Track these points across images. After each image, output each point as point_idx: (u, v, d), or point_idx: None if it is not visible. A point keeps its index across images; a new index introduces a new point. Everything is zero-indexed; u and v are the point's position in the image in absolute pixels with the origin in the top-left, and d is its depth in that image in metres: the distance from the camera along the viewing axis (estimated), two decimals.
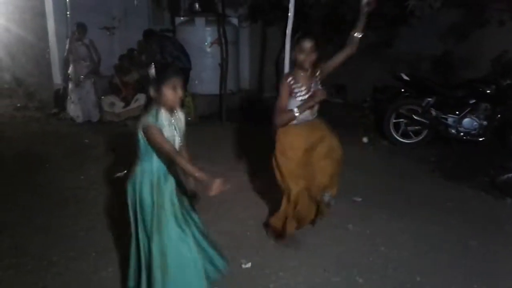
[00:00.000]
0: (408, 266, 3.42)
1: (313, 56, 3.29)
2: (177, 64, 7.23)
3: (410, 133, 6.54)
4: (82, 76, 7.35)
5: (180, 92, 2.49)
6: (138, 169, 2.62)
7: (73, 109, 7.54)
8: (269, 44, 9.28)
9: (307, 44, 3.25)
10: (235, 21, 9.30)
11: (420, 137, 6.49)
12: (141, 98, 8.02)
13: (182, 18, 9.30)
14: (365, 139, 6.78)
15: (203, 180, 2.36)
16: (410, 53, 8.05)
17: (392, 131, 6.59)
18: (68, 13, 7.55)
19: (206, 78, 8.85)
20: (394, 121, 6.59)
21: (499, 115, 6.01)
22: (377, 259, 3.52)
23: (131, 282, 2.78)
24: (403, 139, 6.59)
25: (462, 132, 6.15)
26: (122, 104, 7.99)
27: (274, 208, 4.31)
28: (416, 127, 6.46)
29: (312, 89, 3.35)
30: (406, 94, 6.66)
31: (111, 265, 3.35)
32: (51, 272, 3.26)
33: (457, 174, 5.41)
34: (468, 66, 7.43)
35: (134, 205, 2.62)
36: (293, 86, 3.31)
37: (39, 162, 5.64)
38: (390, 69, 7.22)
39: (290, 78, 3.33)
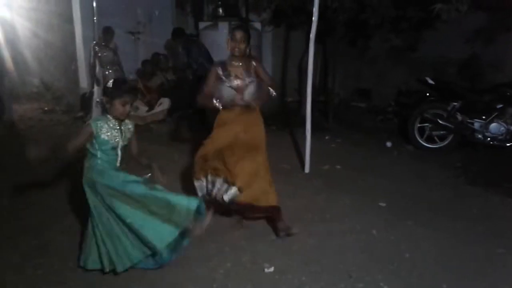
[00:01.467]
0: (434, 274, 3.37)
1: (243, 45, 3.69)
2: (201, 71, 7.19)
3: (435, 137, 6.45)
4: (110, 81, 7.43)
5: (127, 108, 3.04)
6: (88, 166, 3.16)
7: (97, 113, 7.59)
8: (292, 48, 9.29)
9: (239, 33, 3.69)
10: (258, 25, 9.34)
11: (445, 142, 6.39)
12: (165, 102, 8.11)
13: (205, 22, 9.38)
14: (388, 144, 6.72)
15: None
16: (436, 57, 7.95)
17: (416, 135, 6.52)
18: (95, 18, 7.68)
19: None
20: (418, 125, 6.51)
21: None
22: (402, 265, 3.48)
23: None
24: (428, 144, 6.51)
25: (488, 137, 6.05)
26: (146, 108, 8.10)
27: (298, 212, 4.32)
28: (441, 132, 6.37)
29: (245, 79, 3.74)
30: (431, 98, 6.58)
31: (138, 268, 3.38)
32: (77, 273, 3.31)
33: (483, 180, 5.31)
34: (495, 70, 7.31)
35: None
36: (221, 73, 3.73)
37: (65, 165, 5.74)
38: (415, 73, 7.16)
39: (219, 65, 3.79)
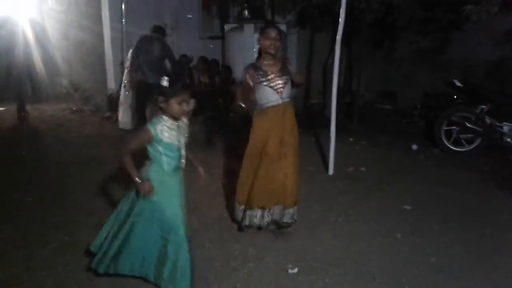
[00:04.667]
0: (459, 280, 3.32)
1: (278, 43, 3.60)
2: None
3: (463, 141, 6.35)
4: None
5: (184, 107, 2.84)
6: (149, 172, 2.94)
7: (124, 116, 7.69)
8: (317, 50, 9.27)
9: (272, 31, 3.59)
10: (283, 27, 9.34)
11: (473, 146, 6.29)
12: (190, 103, 8.20)
13: (231, 25, 9.45)
14: (414, 147, 6.65)
15: (137, 183, 2.84)
16: (464, 59, 7.83)
17: (443, 138, 6.43)
18: (123, 20, 7.82)
19: None
20: (445, 128, 6.42)
21: None
22: (427, 270, 3.44)
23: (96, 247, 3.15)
24: (455, 147, 6.41)
25: None
26: None
27: (322, 213, 4.31)
28: (469, 135, 6.27)
29: (282, 78, 3.62)
30: (459, 101, 6.48)
31: None
32: None
33: None
34: None
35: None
36: (257, 72, 3.61)
37: (93, 163, 5.86)
38: (441, 75, 7.06)
39: (254, 64, 3.69)
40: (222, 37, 9.96)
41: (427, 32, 7.89)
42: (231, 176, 5.34)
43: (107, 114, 8.42)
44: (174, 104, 2.79)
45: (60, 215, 4.31)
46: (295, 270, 3.40)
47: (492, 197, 4.93)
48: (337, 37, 5.17)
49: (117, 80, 8.58)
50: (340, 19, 5.08)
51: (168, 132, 2.83)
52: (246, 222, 3.79)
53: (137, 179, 2.82)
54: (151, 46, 6.95)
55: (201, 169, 3.22)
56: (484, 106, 6.10)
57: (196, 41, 9.93)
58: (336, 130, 5.40)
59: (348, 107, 8.57)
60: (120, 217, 3.05)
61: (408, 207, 4.56)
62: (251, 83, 3.61)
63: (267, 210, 3.75)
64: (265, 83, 3.58)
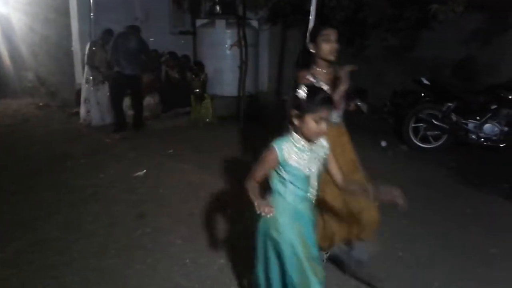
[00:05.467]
0: (426, 272, 3.39)
1: (337, 46, 3.00)
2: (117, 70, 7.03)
3: (430, 138, 6.48)
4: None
5: (323, 126, 2.19)
6: (271, 202, 2.30)
7: (92, 112, 7.56)
8: (289, 47, 9.30)
9: (332, 32, 2.98)
10: (255, 23, 9.35)
11: (440, 142, 6.43)
12: (151, 99, 8.18)
13: (202, 20, 9.38)
14: (383, 143, 6.75)
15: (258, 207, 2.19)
16: (432, 58, 7.98)
17: (411, 135, 6.55)
18: (91, 13, 7.65)
19: (225, 80, 8.92)
20: (413, 125, 6.54)
21: None
22: (395, 264, 3.50)
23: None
24: (422, 143, 6.54)
25: (482, 138, 6.08)
26: None
27: None
28: (436, 132, 6.40)
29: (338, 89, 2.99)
30: (426, 98, 6.61)
31: (130, 263, 3.39)
32: (71, 268, 3.31)
33: (477, 180, 5.35)
34: (490, 72, 7.33)
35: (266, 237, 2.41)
36: (313, 82, 2.98)
37: (60, 160, 5.73)
38: (411, 73, 7.18)
39: (307, 74, 3.01)
40: (193, 32, 9.88)
41: (397, 30, 8.01)
42: (202, 172, 5.33)
43: (75, 109, 8.23)
44: (310, 122, 2.17)
45: (25, 213, 4.21)
46: None
47: (457, 192, 5.05)
48: (307, 34, 5.18)
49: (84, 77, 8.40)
50: (310, 17, 5.10)
51: (297, 155, 2.24)
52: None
53: (257, 201, 2.22)
54: (127, 40, 6.99)
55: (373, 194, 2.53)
56: (450, 104, 6.24)
57: (167, 36, 9.81)
58: None
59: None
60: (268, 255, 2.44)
61: (376, 204, 4.62)
62: None
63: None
64: None
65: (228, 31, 8.84)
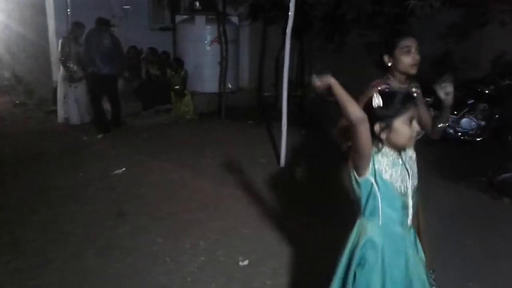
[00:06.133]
0: None
1: (418, 59, 2.62)
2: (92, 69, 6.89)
3: None
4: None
5: (416, 125, 1.90)
6: (359, 226, 2.00)
7: (70, 110, 7.44)
8: (269, 43, 9.29)
9: (412, 43, 2.60)
10: (235, 19, 9.32)
11: (418, 137, 6.48)
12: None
13: (182, 16, 9.31)
14: None
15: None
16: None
17: None
18: (68, 10, 7.53)
19: (206, 77, 8.88)
20: None
21: (497, 116, 6.03)
22: None
23: None
24: None
25: (460, 132, 6.17)
26: None
27: (271, 205, 4.34)
28: None
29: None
30: None
31: (110, 263, 3.36)
32: (49, 269, 3.26)
33: (455, 173, 5.42)
34: (467, 67, 7.44)
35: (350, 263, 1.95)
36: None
37: (37, 159, 5.65)
38: None
39: (380, 84, 2.60)
40: (173, 28, 9.81)
41: (376, 25, 8.06)
42: (183, 170, 5.31)
43: (52, 107, 8.10)
44: (401, 127, 1.84)
45: (1, 214, 4.14)
46: (246, 262, 3.41)
47: (435, 186, 5.10)
48: (287, 30, 5.20)
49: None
50: (289, 13, 5.11)
51: (390, 167, 1.88)
52: None
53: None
54: (100, 38, 6.82)
55: None
56: (428, 99, 6.26)
57: (146, 32, 9.71)
58: (288, 123, 5.44)
59: (301, 100, 8.66)
60: None
61: None
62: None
63: None
64: None
65: (208, 27, 8.80)
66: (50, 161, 5.59)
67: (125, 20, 9.11)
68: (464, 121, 6.13)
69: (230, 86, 8.63)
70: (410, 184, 1.95)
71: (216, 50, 8.52)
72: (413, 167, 2.00)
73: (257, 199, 4.48)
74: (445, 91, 2.51)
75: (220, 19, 8.11)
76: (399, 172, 1.89)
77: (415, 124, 1.87)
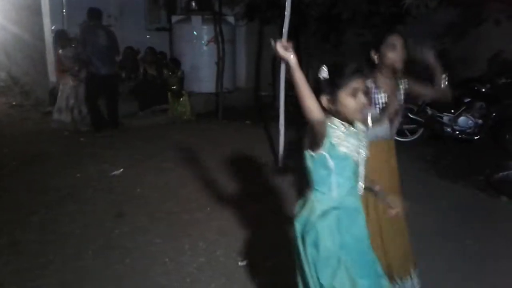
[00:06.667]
0: None
1: (403, 55, 2.73)
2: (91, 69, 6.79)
3: (406, 131, 6.56)
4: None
5: (362, 98, 1.90)
6: (311, 201, 2.06)
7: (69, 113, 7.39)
8: (266, 42, 9.29)
9: (398, 40, 2.73)
10: (231, 19, 9.31)
11: (416, 136, 6.51)
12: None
13: (178, 16, 9.31)
14: None
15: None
16: (406, 52, 8.07)
17: None
18: (64, 11, 7.52)
19: (202, 77, 8.88)
20: None
21: (494, 114, 6.05)
22: None
23: None
24: (398, 137, 6.58)
25: (457, 131, 6.18)
26: None
27: (271, 205, 4.34)
28: (412, 126, 6.48)
29: (398, 102, 2.78)
30: None
31: (109, 264, 3.35)
32: (48, 270, 3.25)
33: (452, 172, 5.44)
34: (464, 65, 7.46)
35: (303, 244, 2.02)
36: (373, 91, 2.69)
37: (35, 160, 5.63)
38: None
39: (369, 81, 2.62)
40: (169, 28, 9.80)
41: (372, 25, 8.07)
42: (180, 170, 5.30)
43: (49, 109, 8.07)
44: (346, 99, 1.89)
45: (0, 214, 4.12)
46: (245, 262, 3.41)
47: (433, 185, 5.13)
48: (283, 30, 5.20)
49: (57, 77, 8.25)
50: (286, 12, 5.10)
51: (344, 139, 1.92)
52: None
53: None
54: (96, 36, 6.71)
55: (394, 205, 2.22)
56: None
57: (143, 32, 9.71)
58: (286, 123, 5.44)
59: (297, 99, 8.65)
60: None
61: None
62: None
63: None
64: (378, 105, 2.71)
65: (205, 27, 8.80)
66: (48, 162, 5.57)
67: (122, 20, 9.10)
68: (461, 119, 6.15)
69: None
70: (362, 154, 2.00)
71: (212, 50, 8.52)
72: (362, 138, 2.02)
73: (256, 199, 4.48)
74: (428, 56, 2.84)
75: (217, 19, 8.11)
76: (352, 143, 1.94)
77: (360, 97, 1.89)
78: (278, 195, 4.66)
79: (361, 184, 2.04)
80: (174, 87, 8.18)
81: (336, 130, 1.92)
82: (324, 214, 1.97)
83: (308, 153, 2.00)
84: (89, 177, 5.10)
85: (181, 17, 9.28)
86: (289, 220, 2.15)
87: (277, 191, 4.78)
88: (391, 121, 2.77)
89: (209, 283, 3.13)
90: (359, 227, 2.01)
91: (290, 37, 5.30)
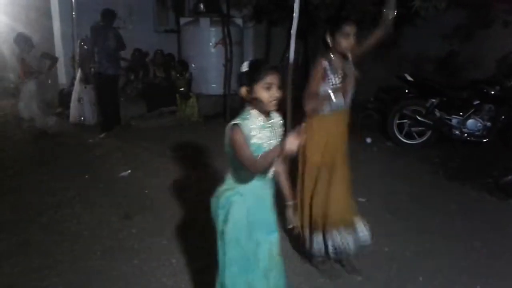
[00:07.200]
0: (412, 266, 3.42)
1: (354, 41, 3.04)
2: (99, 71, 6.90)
3: (414, 134, 6.53)
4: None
5: (275, 92, 2.14)
6: (226, 184, 2.34)
7: (85, 111, 7.47)
8: (273, 44, 9.31)
9: (350, 28, 3.02)
10: (239, 21, 9.33)
11: (424, 138, 6.48)
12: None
13: (186, 18, 9.34)
14: (368, 140, 6.78)
15: (286, 147, 2.05)
16: (415, 54, 8.05)
17: (395, 131, 6.59)
18: (73, 13, 7.57)
19: (210, 79, 8.89)
20: (397, 121, 6.58)
21: (503, 116, 6.00)
22: (381, 259, 3.52)
23: None
24: (407, 140, 6.59)
25: (466, 133, 6.14)
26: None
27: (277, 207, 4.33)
28: (420, 128, 6.45)
29: (350, 78, 3.14)
30: (410, 94, 6.66)
31: (116, 265, 3.37)
32: (56, 270, 3.28)
33: (461, 175, 5.41)
34: (473, 67, 7.42)
35: (218, 224, 2.36)
36: (328, 71, 3.05)
37: (43, 161, 5.67)
38: (395, 69, 7.23)
39: (325, 62, 3.06)
40: (177, 30, 9.83)
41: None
42: (188, 172, 5.31)
43: (58, 109, 8.14)
44: (261, 91, 2.12)
45: (8, 215, 4.16)
46: None
47: (441, 187, 5.10)
48: (292, 31, 5.19)
49: (68, 75, 8.31)
50: (294, 14, 5.10)
51: (258, 131, 2.17)
52: (314, 248, 3.21)
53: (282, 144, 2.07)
54: (105, 37, 6.83)
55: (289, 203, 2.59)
56: (434, 100, 6.29)
57: (151, 34, 9.75)
58: (292, 124, 5.43)
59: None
60: None
61: (363, 199, 4.64)
62: (319, 79, 3.05)
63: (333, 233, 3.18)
64: (333, 83, 3.07)
65: (213, 29, 8.82)
66: (56, 163, 5.61)
67: (130, 22, 9.14)
68: (470, 122, 6.10)
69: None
70: (274, 143, 2.21)
71: (220, 52, 8.53)
72: (277, 129, 2.29)
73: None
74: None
75: (225, 21, 8.12)
76: (266, 133, 2.20)
77: (274, 91, 2.13)
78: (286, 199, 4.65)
79: (272, 169, 2.29)
80: (182, 89, 8.21)
81: (253, 122, 2.17)
82: (235, 195, 2.27)
83: (227, 138, 2.21)
84: (97, 178, 5.12)
85: (189, 19, 9.30)
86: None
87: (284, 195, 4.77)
88: (345, 93, 3.13)
89: (215, 285, 3.13)
90: (265, 210, 2.33)
91: (298, 39, 5.31)
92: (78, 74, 7.41)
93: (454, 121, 6.19)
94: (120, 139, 6.72)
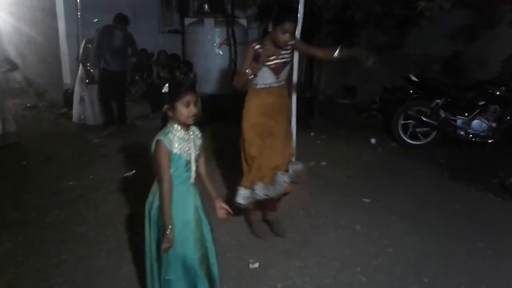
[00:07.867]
0: (416, 268, 3.42)
1: (290, 38, 3.39)
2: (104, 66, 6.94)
3: (419, 134, 6.51)
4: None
5: (193, 109, 2.46)
6: (156, 188, 2.60)
7: (86, 111, 7.48)
8: None
9: (290, 26, 3.34)
10: (244, 21, 9.34)
11: (429, 139, 6.46)
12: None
13: (191, 18, 9.36)
14: (373, 140, 6.77)
15: (165, 232, 2.42)
16: (420, 54, 8.02)
17: (400, 132, 6.57)
18: (78, 13, 7.59)
19: (214, 79, 8.90)
20: (402, 122, 6.56)
21: (508, 117, 5.97)
22: (385, 260, 3.52)
23: None
24: (412, 140, 6.57)
25: (471, 134, 6.12)
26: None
27: (283, 207, 4.34)
28: (425, 129, 6.43)
29: (283, 58, 3.49)
30: (415, 95, 6.64)
31: (121, 265, 3.38)
32: (60, 270, 3.29)
33: (466, 176, 5.38)
34: (478, 68, 7.38)
35: (149, 228, 2.66)
36: (260, 52, 3.37)
37: (49, 161, 5.69)
38: (400, 70, 7.20)
39: (256, 44, 3.41)
40: (182, 31, 9.85)
41: (385, 27, 8.04)
42: None
43: (63, 110, 8.17)
44: (181, 108, 2.44)
45: (14, 214, 4.18)
46: (256, 264, 3.41)
47: (446, 188, 5.09)
48: (296, 32, 5.18)
49: (73, 75, 8.32)
50: (298, 15, 5.09)
51: (178, 143, 2.48)
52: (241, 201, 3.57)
53: (169, 227, 2.42)
54: (112, 35, 6.85)
55: (215, 198, 2.83)
56: (438, 100, 6.27)
57: (155, 35, 9.78)
58: (297, 125, 5.43)
59: (309, 102, 8.65)
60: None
61: (367, 200, 4.65)
62: (251, 59, 3.40)
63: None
64: (266, 63, 3.39)
65: (217, 29, 8.84)
66: (61, 163, 5.63)
67: (135, 23, 9.15)
68: (475, 123, 6.08)
69: None
70: (193, 153, 2.55)
71: (225, 53, 8.54)
72: (196, 141, 2.60)
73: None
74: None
75: (229, 21, 8.14)
76: (186, 145, 2.50)
77: (192, 107, 2.45)
78: (290, 197, 4.65)
79: (193, 176, 2.59)
80: None
81: (174, 135, 2.47)
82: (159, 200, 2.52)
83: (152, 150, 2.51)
84: (101, 178, 5.13)
85: (193, 19, 9.33)
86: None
87: (289, 194, 4.77)
88: (277, 72, 3.48)
89: (220, 285, 3.13)
90: (187, 211, 2.56)
91: (302, 39, 5.30)
92: (79, 73, 7.41)
93: (459, 122, 6.17)
94: (125, 139, 6.73)
